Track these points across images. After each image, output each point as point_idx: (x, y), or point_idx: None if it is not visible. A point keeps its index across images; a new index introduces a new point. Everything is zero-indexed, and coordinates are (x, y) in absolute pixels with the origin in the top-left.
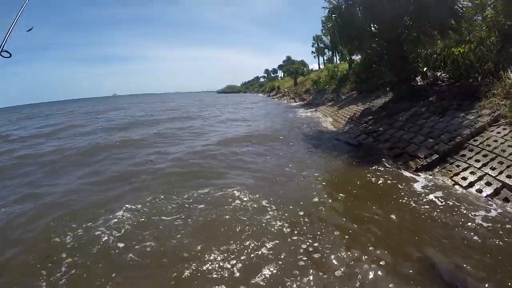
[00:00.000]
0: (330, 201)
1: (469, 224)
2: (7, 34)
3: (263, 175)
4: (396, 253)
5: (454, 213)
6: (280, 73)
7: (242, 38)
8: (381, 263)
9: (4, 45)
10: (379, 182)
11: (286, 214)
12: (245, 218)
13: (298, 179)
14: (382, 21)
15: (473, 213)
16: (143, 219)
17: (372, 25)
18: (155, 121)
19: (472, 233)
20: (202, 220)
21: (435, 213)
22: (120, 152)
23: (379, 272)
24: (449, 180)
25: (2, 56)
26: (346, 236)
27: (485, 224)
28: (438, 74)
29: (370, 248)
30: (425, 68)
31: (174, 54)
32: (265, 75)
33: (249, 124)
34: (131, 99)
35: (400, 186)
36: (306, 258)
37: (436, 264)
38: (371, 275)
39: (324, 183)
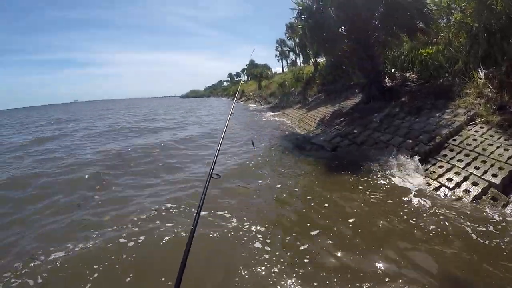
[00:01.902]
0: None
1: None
2: None
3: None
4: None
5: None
6: (243, 77)
7: (204, 42)
8: None
9: None
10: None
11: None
12: None
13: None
14: (354, 21)
15: (469, 219)
16: None
17: (342, 27)
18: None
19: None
20: None
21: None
22: None
23: None
24: (435, 182)
25: None
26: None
27: (485, 228)
28: (407, 75)
29: None
30: (393, 69)
31: (135, 58)
32: (229, 79)
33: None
34: (96, 105)
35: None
36: None
37: None
38: None
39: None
